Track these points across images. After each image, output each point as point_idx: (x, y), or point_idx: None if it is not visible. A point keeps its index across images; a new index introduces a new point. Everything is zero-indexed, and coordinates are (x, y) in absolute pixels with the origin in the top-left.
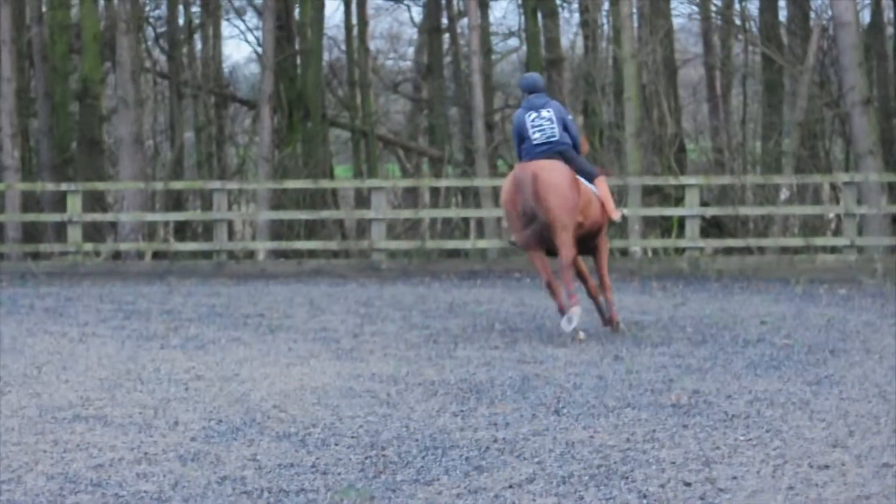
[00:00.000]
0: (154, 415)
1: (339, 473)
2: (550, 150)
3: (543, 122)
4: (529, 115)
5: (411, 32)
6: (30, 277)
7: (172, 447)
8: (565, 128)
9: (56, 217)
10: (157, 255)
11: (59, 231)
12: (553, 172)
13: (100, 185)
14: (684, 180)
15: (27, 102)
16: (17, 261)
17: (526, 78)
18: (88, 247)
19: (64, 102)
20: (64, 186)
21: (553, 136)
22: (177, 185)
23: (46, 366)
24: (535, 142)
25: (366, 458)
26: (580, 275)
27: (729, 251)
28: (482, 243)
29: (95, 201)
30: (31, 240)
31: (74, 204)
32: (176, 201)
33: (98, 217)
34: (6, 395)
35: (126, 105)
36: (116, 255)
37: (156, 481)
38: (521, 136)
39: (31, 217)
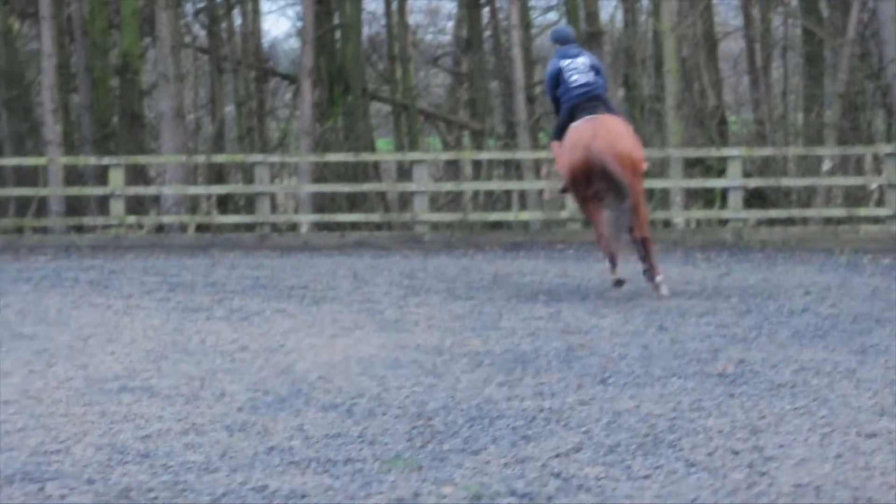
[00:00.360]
0: (200, 386)
1: (386, 443)
2: (589, 92)
3: (578, 65)
4: (563, 62)
5: (450, 6)
6: (74, 250)
7: (219, 418)
8: (598, 74)
9: (99, 191)
10: (200, 227)
11: (102, 204)
12: (623, 137)
13: (142, 159)
14: (726, 152)
15: (68, 78)
16: (60, 234)
17: (559, 30)
18: (131, 220)
19: (104, 77)
20: (106, 160)
21: (590, 80)
22: (219, 158)
23: (92, 338)
24: (572, 84)
25: (413, 428)
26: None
27: (772, 222)
28: (524, 215)
29: (137, 175)
30: (75, 213)
31: (117, 177)
32: (218, 175)
33: (141, 190)
34: (53, 367)
35: (166, 80)
36: (159, 228)
37: (203, 452)
38: (556, 83)
39: (74, 191)
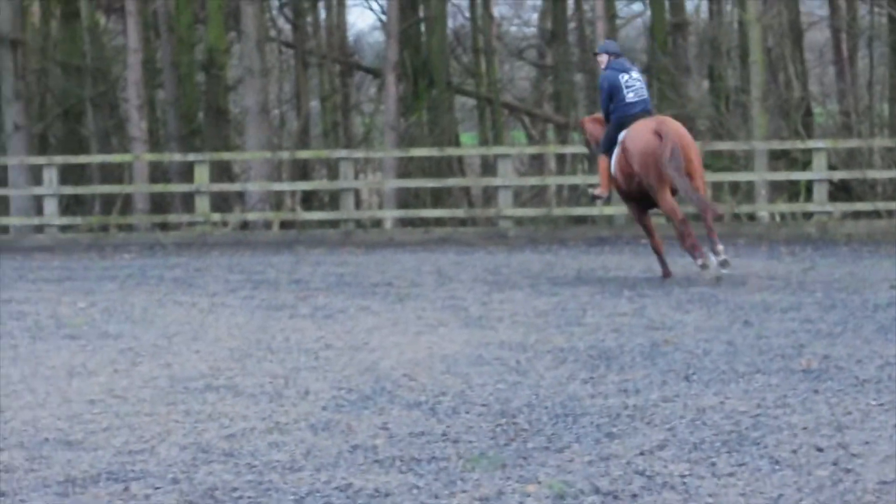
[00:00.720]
0: (284, 384)
1: (470, 441)
2: (644, 108)
3: (635, 82)
4: (622, 77)
5: None
6: (159, 248)
7: (303, 416)
8: (646, 90)
9: (184, 187)
10: (284, 224)
11: (187, 201)
12: (678, 125)
13: (226, 155)
14: (811, 144)
15: (153, 73)
16: (145, 231)
17: (611, 44)
18: (216, 217)
19: (190, 73)
20: (191, 157)
21: (643, 96)
22: (303, 154)
23: (177, 336)
24: (628, 101)
25: (496, 426)
26: (647, 229)
27: (857, 215)
28: (609, 210)
29: (222, 171)
30: (160, 210)
31: (202, 174)
32: (302, 170)
33: (225, 187)
34: (138, 366)
35: (252, 74)
36: (244, 225)
37: (288, 450)
38: (612, 95)
39: (159, 188)
